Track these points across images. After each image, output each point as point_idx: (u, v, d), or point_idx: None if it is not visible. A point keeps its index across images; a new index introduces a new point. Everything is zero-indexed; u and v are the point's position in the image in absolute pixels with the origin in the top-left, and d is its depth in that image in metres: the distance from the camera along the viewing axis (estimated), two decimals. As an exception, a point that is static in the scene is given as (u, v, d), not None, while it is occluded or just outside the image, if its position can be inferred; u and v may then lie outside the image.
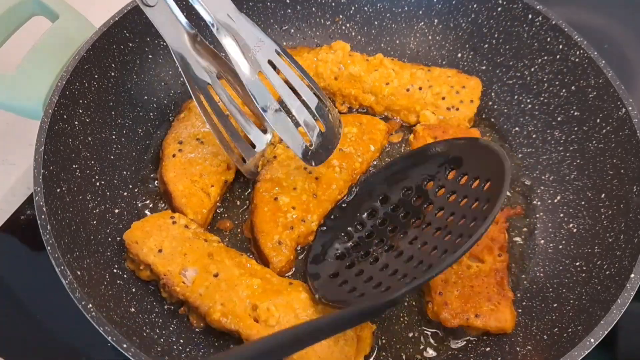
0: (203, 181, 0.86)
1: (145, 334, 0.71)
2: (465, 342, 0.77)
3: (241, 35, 0.73)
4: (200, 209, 0.84)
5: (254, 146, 0.89)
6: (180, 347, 0.73)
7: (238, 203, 0.89)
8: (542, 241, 0.86)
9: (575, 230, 0.84)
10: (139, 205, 0.88)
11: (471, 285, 0.77)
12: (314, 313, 0.73)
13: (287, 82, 0.76)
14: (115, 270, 0.77)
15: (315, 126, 0.78)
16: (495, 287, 0.77)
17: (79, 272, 0.69)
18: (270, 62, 0.75)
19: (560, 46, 0.91)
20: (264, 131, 0.90)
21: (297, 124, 0.77)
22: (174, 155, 0.88)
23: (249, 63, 0.73)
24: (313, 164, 0.78)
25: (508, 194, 0.89)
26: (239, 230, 0.87)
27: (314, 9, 1.04)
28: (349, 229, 0.82)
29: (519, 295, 0.82)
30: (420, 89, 0.96)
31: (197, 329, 0.76)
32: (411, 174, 0.82)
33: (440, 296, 0.76)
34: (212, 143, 0.89)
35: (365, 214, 0.83)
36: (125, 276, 0.78)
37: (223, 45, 0.73)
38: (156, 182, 0.90)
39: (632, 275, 0.69)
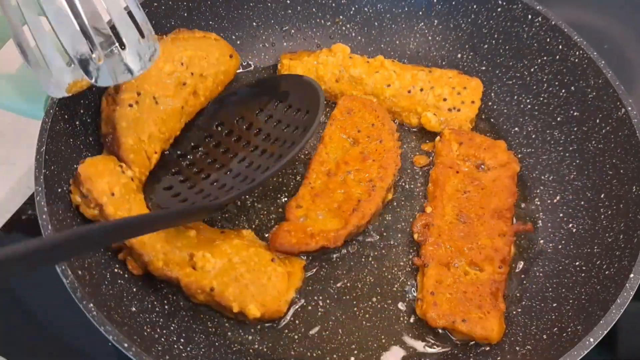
0: (149, 145, 0.83)
1: (146, 334, 0.71)
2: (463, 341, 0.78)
3: None
4: (144, 170, 0.83)
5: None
6: (180, 347, 0.73)
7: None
8: (542, 241, 0.87)
9: (574, 230, 0.85)
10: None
11: (464, 291, 0.77)
12: (246, 256, 0.77)
13: None
14: (116, 270, 0.77)
15: (111, 37, 0.67)
16: (489, 297, 0.76)
17: (79, 272, 0.69)
18: None
19: (560, 46, 0.91)
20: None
21: (84, 30, 0.65)
22: (130, 105, 0.82)
23: None
24: (95, 80, 0.68)
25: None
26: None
27: (314, 10, 1.04)
28: (186, 149, 0.90)
29: (518, 294, 0.82)
30: (421, 90, 0.96)
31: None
32: (247, 104, 0.92)
33: (431, 295, 0.77)
34: (165, 106, 0.85)
35: (203, 137, 0.91)
36: (126, 276, 0.78)
37: None
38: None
39: (632, 275, 0.69)
